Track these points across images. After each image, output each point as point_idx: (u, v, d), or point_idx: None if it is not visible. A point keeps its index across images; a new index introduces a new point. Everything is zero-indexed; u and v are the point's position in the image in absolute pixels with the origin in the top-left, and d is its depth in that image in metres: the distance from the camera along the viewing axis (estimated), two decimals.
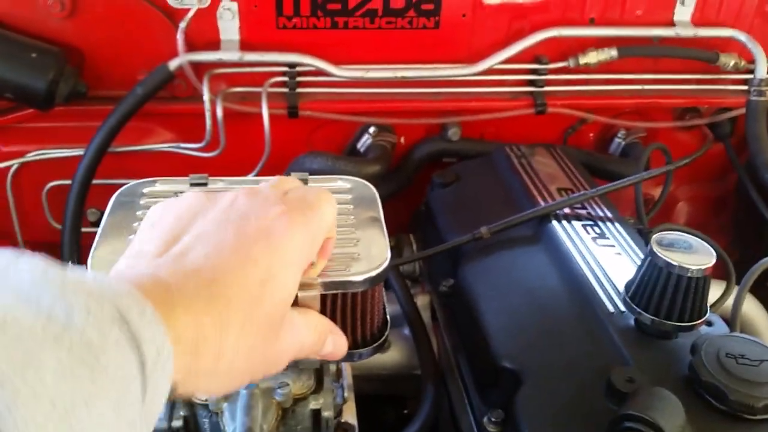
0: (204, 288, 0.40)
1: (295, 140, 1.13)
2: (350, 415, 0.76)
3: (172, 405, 0.68)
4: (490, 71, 1.11)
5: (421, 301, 1.00)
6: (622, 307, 0.73)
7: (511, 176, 1.02)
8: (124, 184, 0.64)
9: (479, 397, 0.78)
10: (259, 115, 1.04)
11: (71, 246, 1.02)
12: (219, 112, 1.03)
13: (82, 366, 0.28)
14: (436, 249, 0.91)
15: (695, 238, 0.69)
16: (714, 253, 0.66)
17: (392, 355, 0.95)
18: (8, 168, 1.09)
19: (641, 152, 1.20)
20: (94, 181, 1.02)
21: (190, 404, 0.68)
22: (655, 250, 0.67)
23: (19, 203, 1.12)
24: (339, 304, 0.62)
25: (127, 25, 0.99)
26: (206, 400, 0.67)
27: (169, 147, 1.08)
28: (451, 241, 0.91)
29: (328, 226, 0.51)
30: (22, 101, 0.96)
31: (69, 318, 0.29)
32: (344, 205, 0.68)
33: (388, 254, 0.62)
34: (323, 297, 0.60)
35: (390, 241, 1.15)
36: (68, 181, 1.03)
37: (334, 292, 0.60)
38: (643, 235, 0.99)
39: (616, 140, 1.24)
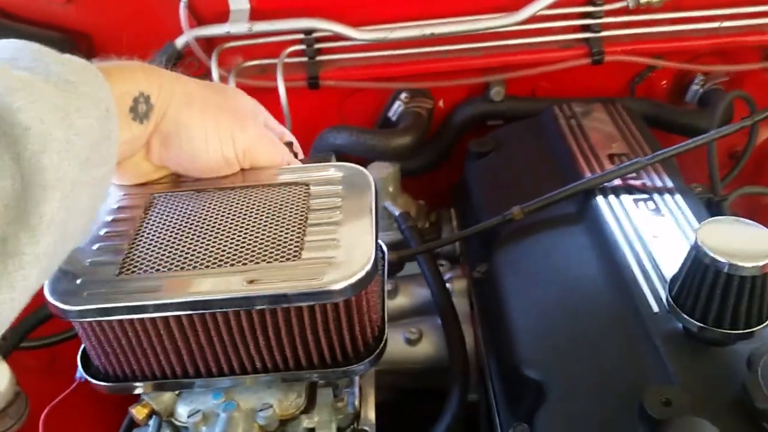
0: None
1: (323, 113, 1.04)
2: (370, 420, 0.68)
3: (158, 425, 0.63)
4: (535, 18, 0.97)
5: (459, 285, 0.91)
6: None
7: (556, 142, 0.89)
8: None
9: (506, 405, 0.69)
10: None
11: None
12: None
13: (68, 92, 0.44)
14: (462, 233, 0.81)
15: (754, 224, 0.55)
16: None
17: (424, 348, 0.87)
18: None
19: (721, 101, 1.03)
20: None
21: (174, 426, 0.63)
22: (700, 243, 0.54)
23: None
24: (318, 316, 0.55)
25: (131, 3, 0.93)
26: (186, 422, 0.62)
27: None
28: (482, 222, 0.81)
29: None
30: None
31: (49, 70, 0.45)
32: (332, 198, 0.60)
33: (372, 257, 0.54)
34: (298, 310, 0.54)
35: (430, 217, 1.08)
36: None
37: (309, 303, 0.53)
38: (713, 206, 0.84)
39: (693, 87, 1.06)
